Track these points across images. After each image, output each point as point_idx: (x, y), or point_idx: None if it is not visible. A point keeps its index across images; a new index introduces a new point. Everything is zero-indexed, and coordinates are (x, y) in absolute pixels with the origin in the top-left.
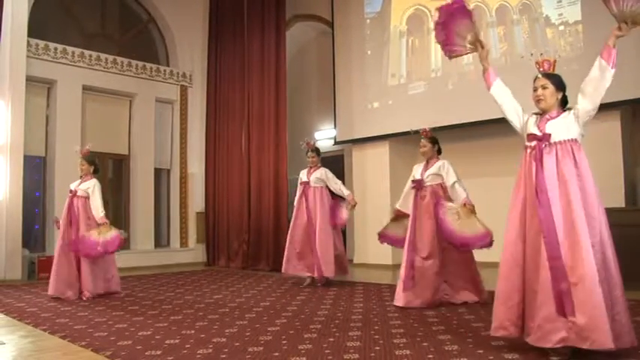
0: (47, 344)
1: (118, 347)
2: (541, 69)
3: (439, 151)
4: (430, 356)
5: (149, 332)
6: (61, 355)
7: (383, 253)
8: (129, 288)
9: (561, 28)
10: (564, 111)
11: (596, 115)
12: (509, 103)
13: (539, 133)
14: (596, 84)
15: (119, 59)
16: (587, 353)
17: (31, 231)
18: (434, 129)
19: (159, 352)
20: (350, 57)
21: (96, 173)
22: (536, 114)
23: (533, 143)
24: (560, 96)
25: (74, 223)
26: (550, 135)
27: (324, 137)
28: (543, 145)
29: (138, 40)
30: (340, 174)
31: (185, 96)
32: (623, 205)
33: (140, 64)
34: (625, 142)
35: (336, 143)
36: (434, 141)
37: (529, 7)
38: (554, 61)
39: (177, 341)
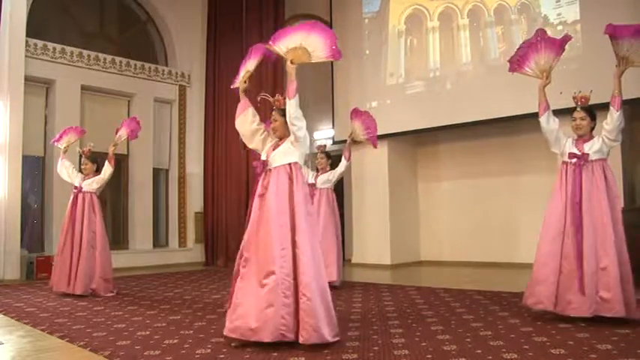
0: (46, 344)
1: (117, 347)
2: (579, 103)
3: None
4: (429, 356)
5: (148, 332)
6: (60, 354)
7: (381, 253)
8: (127, 288)
9: (559, 27)
10: (594, 136)
11: (600, 115)
12: (555, 136)
13: (579, 153)
14: (612, 128)
15: (118, 59)
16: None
17: (31, 231)
18: (434, 128)
19: (157, 352)
20: (348, 56)
21: (98, 172)
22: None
23: (574, 160)
24: (593, 125)
25: (79, 220)
26: (588, 155)
27: (323, 137)
28: (582, 162)
29: (136, 40)
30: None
31: (184, 96)
32: (622, 205)
33: (139, 64)
34: (624, 141)
35: (334, 143)
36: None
37: (527, 7)
38: (589, 97)
39: (175, 341)
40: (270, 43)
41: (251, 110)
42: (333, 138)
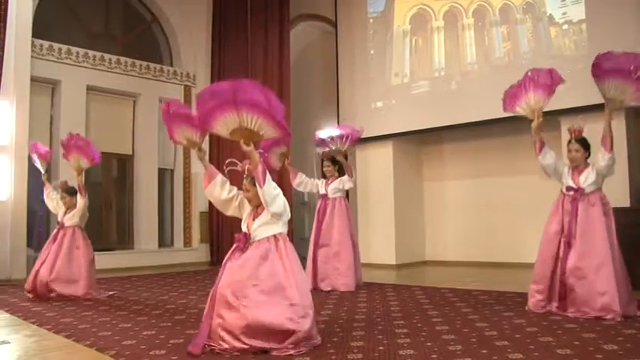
0: (51, 343)
1: (122, 347)
2: (573, 135)
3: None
4: (434, 356)
5: (153, 332)
6: (66, 354)
7: (387, 253)
8: (132, 288)
9: (565, 27)
10: (588, 164)
11: (601, 115)
12: (552, 169)
13: (575, 187)
14: (605, 166)
15: (123, 59)
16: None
17: (37, 231)
18: (439, 128)
19: (163, 352)
20: (353, 56)
21: (77, 195)
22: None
23: (571, 193)
24: (587, 155)
25: (53, 254)
26: (584, 189)
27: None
28: (579, 196)
29: (141, 40)
30: (343, 173)
31: (189, 96)
32: (629, 205)
33: (144, 64)
34: (630, 141)
35: None
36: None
37: (533, 6)
38: (583, 129)
39: (181, 341)
40: (203, 125)
41: (219, 179)
42: None
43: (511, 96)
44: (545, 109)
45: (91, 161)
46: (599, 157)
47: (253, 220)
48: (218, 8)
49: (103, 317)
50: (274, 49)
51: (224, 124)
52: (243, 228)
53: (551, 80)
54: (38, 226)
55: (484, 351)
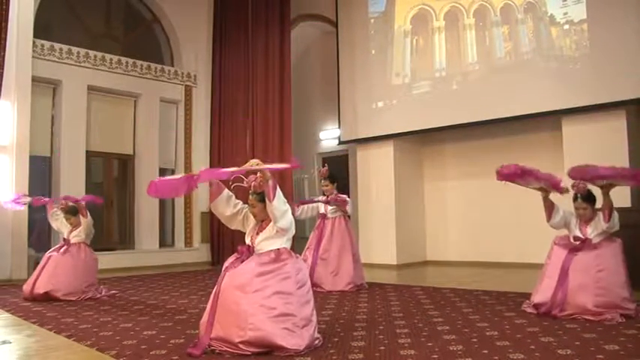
0: (53, 343)
1: (123, 347)
2: (579, 193)
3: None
4: (435, 356)
5: (154, 332)
6: (67, 354)
7: (387, 253)
8: (133, 288)
9: (566, 27)
10: (597, 213)
11: (602, 114)
12: (561, 224)
13: (582, 237)
14: (607, 229)
15: (124, 59)
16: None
17: (38, 231)
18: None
19: (164, 352)
20: (354, 57)
21: (81, 215)
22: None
23: (577, 242)
24: (593, 208)
25: (53, 266)
26: (591, 240)
27: (329, 137)
28: (585, 245)
29: (142, 40)
30: (344, 174)
31: (190, 96)
32: (629, 205)
33: (145, 64)
34: (631, 140)
35: (340, 143)
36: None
37: (534, 6)
38: (586, 187)
39: (181, 341)
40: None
41: (225, 194)
42: (339, 138)
43: (506, 175)
44: (545, 109)
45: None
46: (601, 222)
47: (257, 234)
48: (219, 8)
49: (104, 317)
50: (275, 50)
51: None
52: (247, 241)
53: (555, 185)
54: (39, 226)
55: (485, 351)
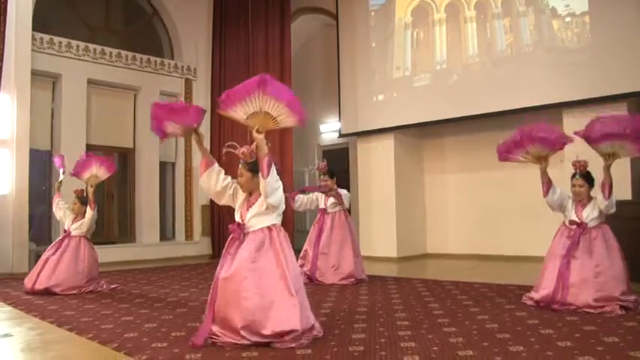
0: (54, 336)
1: (125, 339)
2: (578, 170)
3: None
4: (435, 348)
5: (155, 324)
6: (68, 347)
7: (388, 246)
8: (134, 281)
9: (568, 19)
10: (592, 198)
11: (603, 107)
12: (558, 204)
13: (578, 221)
14: (604, 208)
15: (123, 53)
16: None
17: (39, 224)
18: (440, 121)
19: (165, 344)
20: (355, 49)
21: (89, 207)
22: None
23: (574, 227)
24: (591, 190)
25: (55, 261)
26: (587, 224)
27: (329, 130)
28: (581, 231)
29: (142, 33)
30: (345, 167)
31: (190, 89)
32: (630, 198)
33: (144, 57)
34: None
35: (340, 136)
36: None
37: None
38: (587, 164)
39: (183, 333)
40: (221, 106)
41: (216, 167)
42: (339, 131)
43: (504, 151)
44: (546, 102)
45: (109, 169)
46: (599, 200)
47: (247, 209)
48: (219, 1)
49: (105, 310)
50: (275, 42)
51: (244, 106)
52: (237, 217)
53: (549, 134)
54: (39, 219)
55: (485, 343)
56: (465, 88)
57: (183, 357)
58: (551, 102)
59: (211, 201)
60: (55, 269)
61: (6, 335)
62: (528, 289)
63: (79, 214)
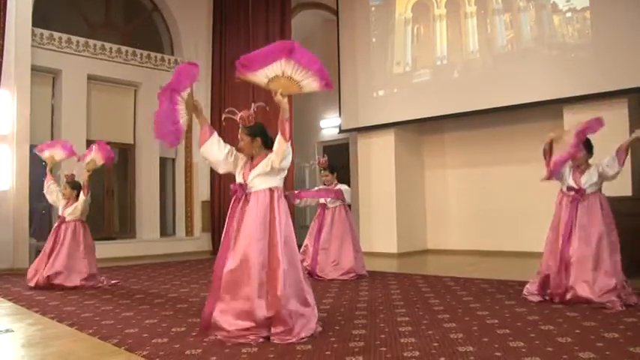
0: (55, 332)
1: (125, 335)
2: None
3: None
4: (435, 344)
5: (155, 320)
6: (69, 342)
7: (388, 242)
8: (135, 277)
9: (568, 15)
10: (590, 165)
11: (604, 103)
12: (560, 174)
13: (576, 187)
14: (613, 175)
15: (124, 48)
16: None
17: (39, 220)
18: (441, 117)
19: (165, 340)
20: (355, 45)
21: (80, 191)
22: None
23: (572, 193)
24: (588, 156)
25: (54, 252)
26: (585, 190)
27: (329, 125)
28: (579, 197)
29: (142, 29)
30: (345, 162)
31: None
32: (630, 194)
33: (145, 53)
34: (633, 129)
35: (341, 131)
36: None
37: None
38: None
39: (183, 329)
40: (244, 70)
41: (216, 136)
42: (339, 126)
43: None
44: (547, 98)
45: (106, 158)
46: (608, 165)
47: (249, 170)
48: None
49: (106, 306)
50: (275, 38)
51: (267, 70)
52: (238, 179)
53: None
54: (40, 215)
55: (485, 339)
56: (465, 84)
57: (183, 353)
58: (551, 98)
59: (211, 197)
60: (55, 259)
61: (7, 331)
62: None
63: (71, 199)
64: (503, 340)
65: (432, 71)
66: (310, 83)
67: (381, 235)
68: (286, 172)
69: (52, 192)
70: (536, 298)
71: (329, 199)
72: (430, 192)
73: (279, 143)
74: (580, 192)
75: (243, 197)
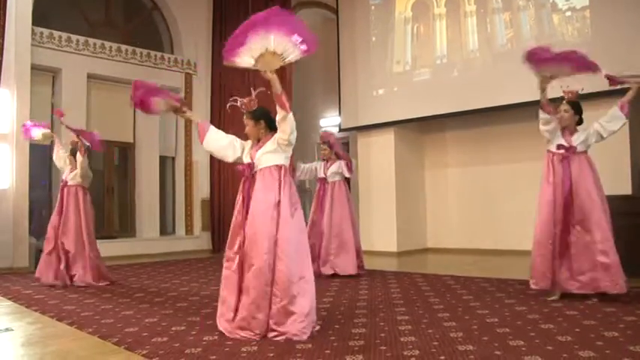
0: (54, 331)
1: (125, 334)
2: (566, 97)
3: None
4: (435, 343)
5: (155, 319)
6: (69, 341)
7: (388, 241)
8: (135, 276)
9: (568, 14)
10: (578, 130)
11: (603, 102)
12: (552, 127)
13: (566, 145)
14: (614, 130)
15: (123, 47)
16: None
17: (39, 219)
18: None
19: (165, 339)
20: (355, 44)
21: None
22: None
23: (562, 151)
24: (577, 118)
25: (60, 213)
26: (575, 147)
27: (329, 124)
28: (570, 155)
29: (142, 27)
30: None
31: (190, 83)
32: (630, 192)
33: (144, 52)
34: (632, 128)
35: (341, 130)
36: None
37: None
38: (577, 93)
39: (183, 328)
40: (228, 56)
41: (213, 127)
42: (339, 125)
43: (541, 60)
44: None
45: (91, 141)
46: (609, 121)
47: (256, 150)
48: None
49: (106, 305)
50: None
51: (250, 51)
52: (246, 159)
53: (587, 66)
54: (39, 213)
55: (485, 338)
56: (465, 83)
57: (183, 351)
58: (551, 96)
59: (211, 195)
60: (61, 221)
61: (6, 330)
62: (528, 284)
63: (73, 165)
64: (503, 339)
65: (431, 70)
66: (292, 52)
67: (381, 234)
68: (291, 151)
69: (60, 158)
70: (543, 284)
71: (329, 172)
72: (430, 191)
73: (281, 116)
74: (571, 150)
75: (251, 177)
